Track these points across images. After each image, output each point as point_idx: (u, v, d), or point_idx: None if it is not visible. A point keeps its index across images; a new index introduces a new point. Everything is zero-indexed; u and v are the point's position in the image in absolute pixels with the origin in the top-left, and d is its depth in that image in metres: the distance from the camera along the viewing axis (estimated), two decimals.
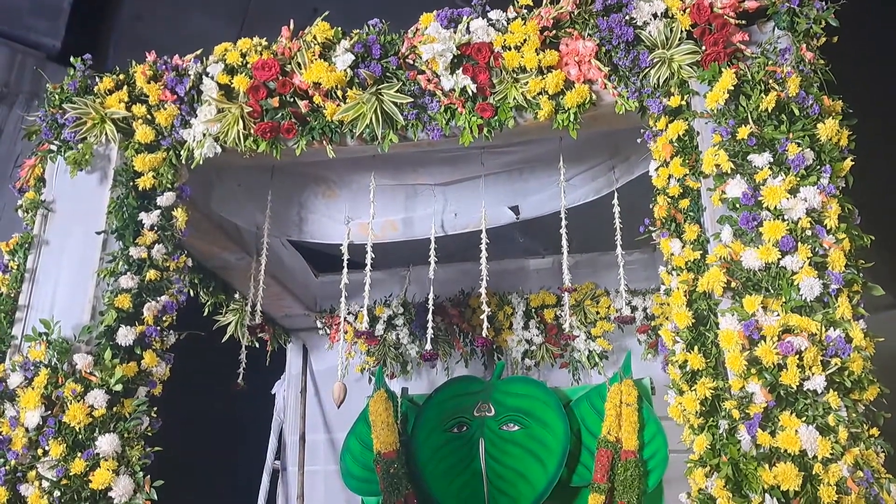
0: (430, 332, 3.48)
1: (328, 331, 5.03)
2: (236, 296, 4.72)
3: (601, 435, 3.97)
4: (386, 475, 3.96)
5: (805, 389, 2.34)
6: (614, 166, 3.64)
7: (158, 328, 2.95)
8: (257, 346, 4.91)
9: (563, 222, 3.33)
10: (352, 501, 4.48)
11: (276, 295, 4.68)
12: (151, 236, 3.04)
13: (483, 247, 3.35)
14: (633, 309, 4.78)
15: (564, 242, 3.26)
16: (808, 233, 2.48)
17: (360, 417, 4.30)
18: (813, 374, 2.33)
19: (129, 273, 2.95)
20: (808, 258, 2.45)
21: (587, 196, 3.67)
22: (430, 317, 3.48)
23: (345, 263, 3.59)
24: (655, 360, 4.86)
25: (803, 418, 2.31)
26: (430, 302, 3.48)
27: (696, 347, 2.55)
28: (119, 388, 2.72)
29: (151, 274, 2.98)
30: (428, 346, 3.49)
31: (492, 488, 4.07)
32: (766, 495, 2.24)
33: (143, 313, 2.93)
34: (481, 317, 3.32)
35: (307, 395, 5.20)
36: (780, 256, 2.47)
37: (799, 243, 2.47)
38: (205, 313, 4.43)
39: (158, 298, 2.99)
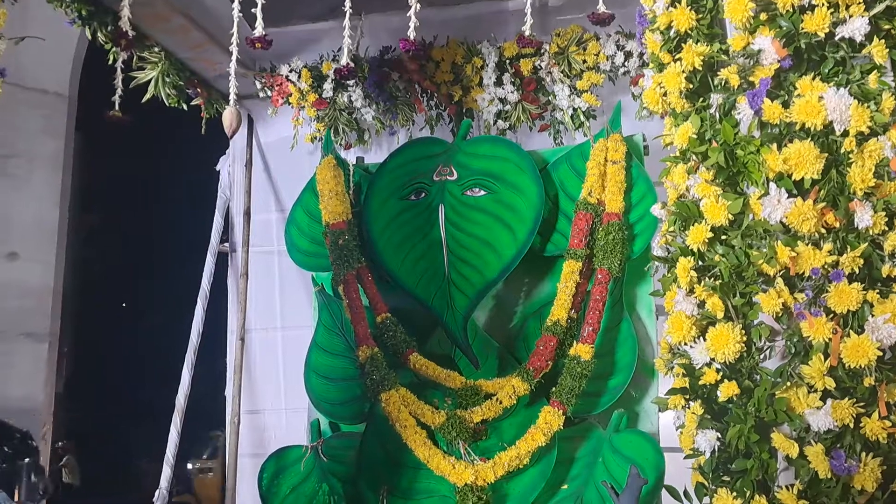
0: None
1: (269, 93, 4.29)
2: (155, 48, 3.98)
3: (580, 197, 3.44)
4: (335, 247, 3.61)
5: (837, 39, 1.60)
6: None
7: None
8: (185, 108, 4.24)
9: None
10: (305, 277, 4.03)
11: (196, 44, 3.90)
12: None
13: None
14: (628, 56, 3.99)
15: None
16: None
17: (306, 187, 3.93)
18: (851, 15, 1.58)
19: None
20: None
21: None
22: None
23: None
24: (651, 119, 4.14)
25: (832, 82, 1.59)
26: None
27: (683, 1, 1.80)
28: None
29: None
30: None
31: (452, 258, 3.63)
32: (772, 185, 1.56)
33: None
34: None
35: (253, 169, 4.60)
36: None
37: None
38: (109, 61, 3.69)
39: None
